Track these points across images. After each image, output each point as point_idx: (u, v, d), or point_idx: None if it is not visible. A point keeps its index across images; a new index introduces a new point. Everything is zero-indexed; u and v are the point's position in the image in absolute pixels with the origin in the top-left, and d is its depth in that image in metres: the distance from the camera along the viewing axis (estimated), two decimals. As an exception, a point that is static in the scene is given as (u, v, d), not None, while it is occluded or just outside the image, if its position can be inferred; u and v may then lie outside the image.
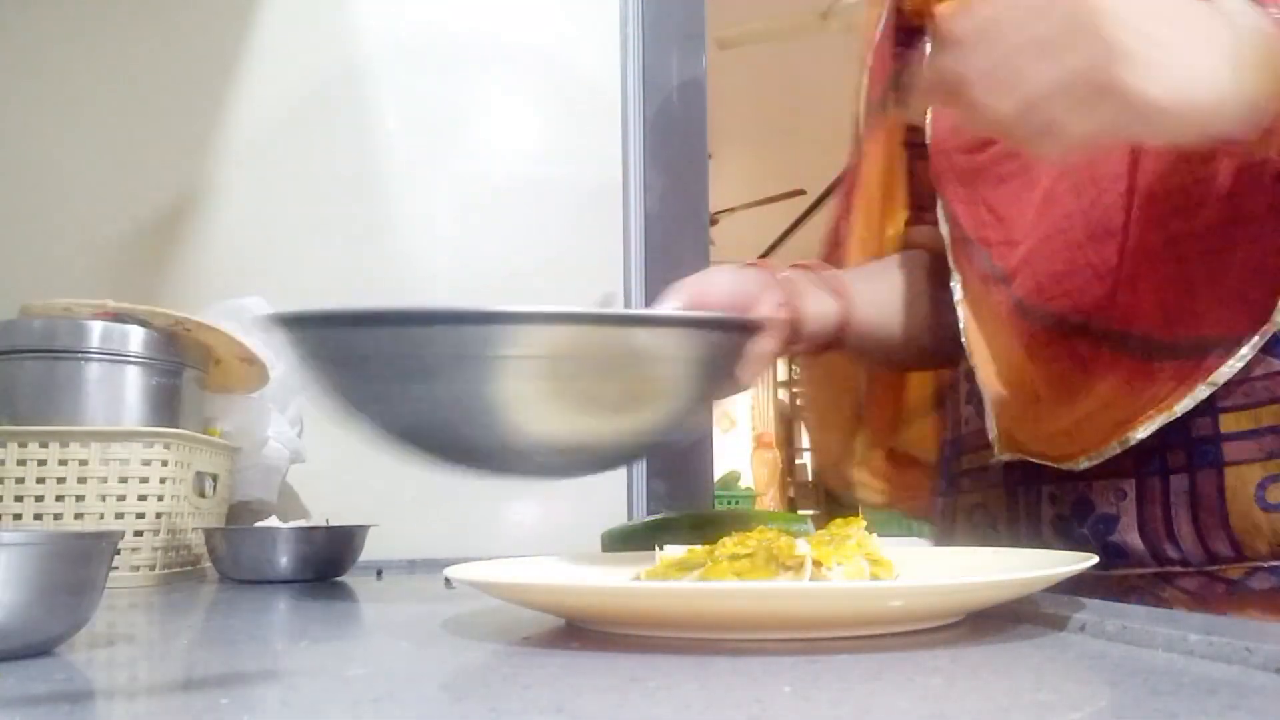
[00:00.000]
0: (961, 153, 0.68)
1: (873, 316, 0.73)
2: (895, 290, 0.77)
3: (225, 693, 0.32)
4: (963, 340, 0.69)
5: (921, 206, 0.81)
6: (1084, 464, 0.58)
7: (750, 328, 0.58)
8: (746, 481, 5.42)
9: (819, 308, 0.69)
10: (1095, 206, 0.58)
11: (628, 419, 0.52)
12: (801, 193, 4.75)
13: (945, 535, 0.76)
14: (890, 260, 0.81)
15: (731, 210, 4.89)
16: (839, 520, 0.51)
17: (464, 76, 1.30)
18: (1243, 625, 0.35)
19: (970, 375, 0.70)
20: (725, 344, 0.56)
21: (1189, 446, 0.55)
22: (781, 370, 6.74)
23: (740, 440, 6.70)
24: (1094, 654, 0.35)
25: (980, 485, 0.70)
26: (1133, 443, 0.55)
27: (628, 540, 0.95)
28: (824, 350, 0.72)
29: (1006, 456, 0.64)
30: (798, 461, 6.95)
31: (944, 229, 0.72)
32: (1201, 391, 0.53)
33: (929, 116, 0.74)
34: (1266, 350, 0.52)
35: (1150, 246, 0.56)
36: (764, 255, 6.35)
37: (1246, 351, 0.52)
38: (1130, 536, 0.57)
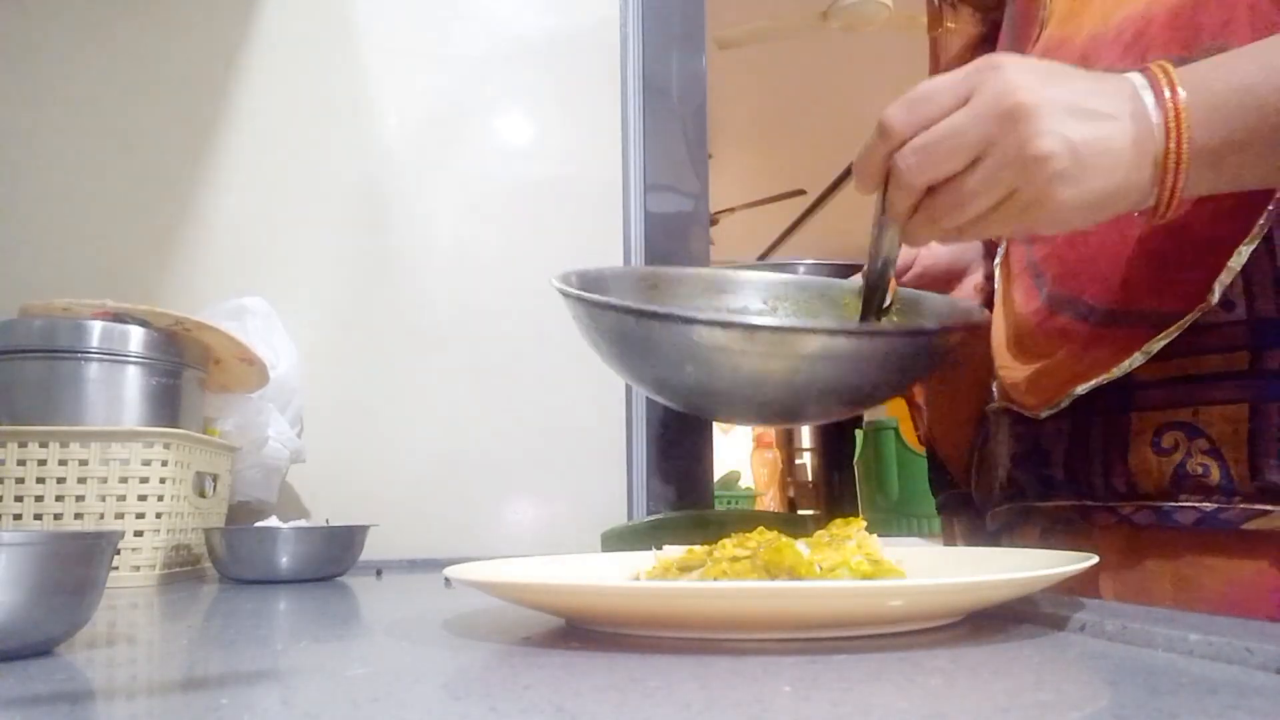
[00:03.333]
0: None
1: None
2: None
3: (225, 693, 0.32)
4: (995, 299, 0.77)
5: None
6: (1045, 414, 0.64)
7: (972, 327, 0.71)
8: (746, 481, 5.41)
9: None
10: None
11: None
12: (801, 193, 4.74)
13: (975, 485, 0.84)
14: None
15: (731, 210, 4.88)
16: (839, 520, 0.51)
17: (464, 76, 1.30)
18: (1243, 625, 0.35)
19: None
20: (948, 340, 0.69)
21: (1109, 392, 0.60)
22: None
23: (740, 440, 6.70)
24: (1094, 654, 0.35)
25: (989, 435, 0.79)
26: (1076, 396, 0.62)
27: (628, 540, 0.95)
28: None
29: (996, 405, 0.72)
30: (798, 461, 6.95)
31: None
32: (1137, 359, 0.58)
33: None
34: None
35: (1110, 225, 0.61)
36: (764, 256, 6.35)
37: (1178, 328, 0.57)
38: (1057, 470, 0.65)
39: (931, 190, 0.51)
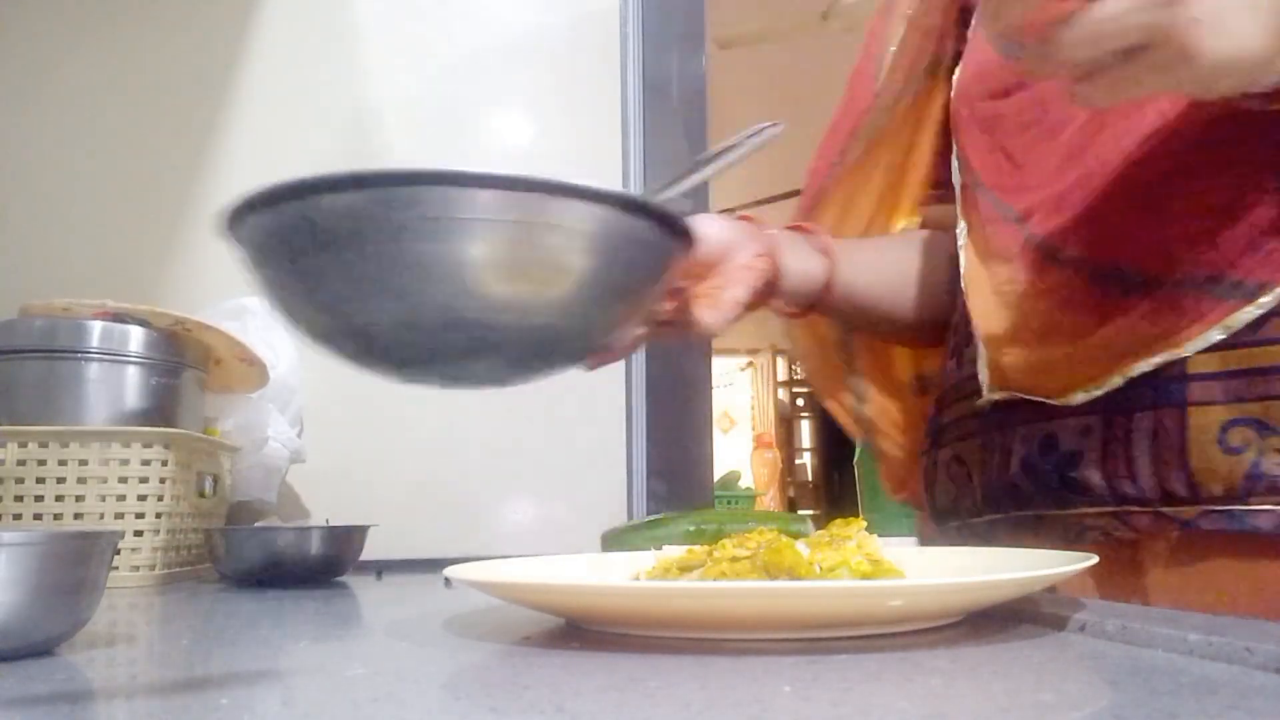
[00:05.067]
0: (984, 99, 0.68)
1: (860, 284, 0.75)
2: (888, 260, 0.79)
3: (225, 693, 0.32)
4: (961, 284, 0.69)
5: (939, 184, 0.82)
6: (1079, 398, 0.58)
7: (678, 230, 0.52)
8: (746, 481, 5.42)
9: (801, 265, 0.70)
10: (1126, 155, 0.57)
11: (534, 299, 0.50)
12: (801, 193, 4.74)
13: (927, 494, 0.75)
14: (893, 235, 0.83)
15: (731, 210, 4.88)
16: (839, 520, 0.51)
17: (464, 76, 1.30)
18: (1243, 625, 0.35)
19: (959, 327, 0.71)
20: (646, 238, 0.51)
21: (1156, 385, 0.55)
22: (781, 370, 6.74)
23: (740, 440, 6.70)
24: (1094, 654, 0.35)
25: (958, 436, 0.71)
26: (1133, 375, 0.55)
27: (628, 540, 0.95)
28: (805, 312, 0.74)
29: (997, 395, 0.63)
30: (798, 461, 6.95)
31: (956, 178, 0.72)
32: (1214, 334, 0.53)
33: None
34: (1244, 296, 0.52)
35: (1177, 188, 0.55)
36: (764, 255, 6.34)
37: (1270, 300, 0.51)
38: (1091, 472, 0.58)
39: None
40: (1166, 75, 0.43)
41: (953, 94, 0.74)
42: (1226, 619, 0.37)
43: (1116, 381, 0.56)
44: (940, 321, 0.77)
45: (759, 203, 4.74)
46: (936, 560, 0.54)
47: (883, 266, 0.78)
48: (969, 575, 0.45)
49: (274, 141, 1.24)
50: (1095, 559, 0.43)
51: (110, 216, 1.20)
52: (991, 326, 0.65)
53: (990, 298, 0.66)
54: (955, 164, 0.73)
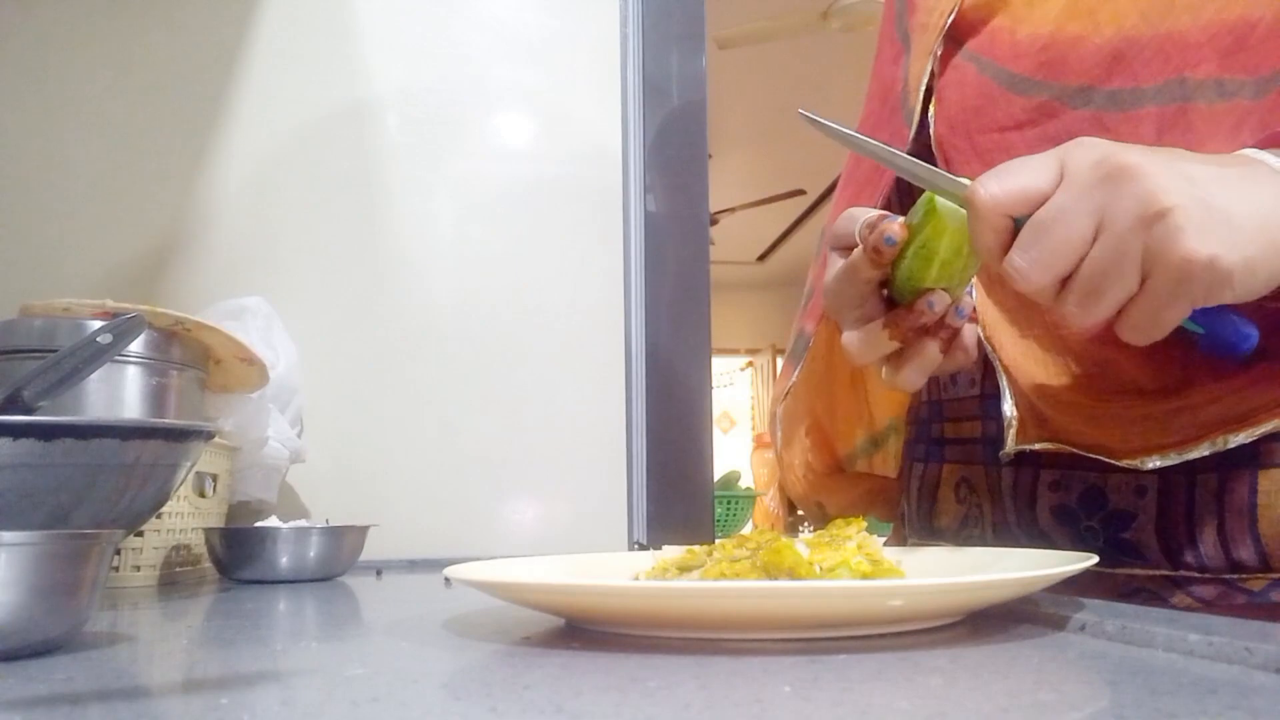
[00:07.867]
0: (989, 132, 0.60)
1: None
2: None
3: (225, 693, 0.32)
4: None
5: None
6: (1153, 463, 0.52)
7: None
8: (746, 481, 5.42)
9: None
10: None
11: None
12: (801, 193, 4.75)
13: (926, 507, 0.69)
14: None
15: (731, 210, 4.89)
16: (839, 520, 0.51)
17: (464, 77, 1.30)
18: (1243, 625, 0.35)
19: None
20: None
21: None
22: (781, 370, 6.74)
23: (740, 440, 6.71)
24: (1094, 654, 0.35)
25: (963, 458, 0.65)
26: (1229, 446, 0.49)
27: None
28: None
29: (1037, 445, 0.56)
30: (798, 461, 6.94)
31: None
32: None
33: (921, 92, 0.66)
34: None
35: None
36: (763, 256, 6.36)
37: None
38: (1145, 535, 0.54)
39: (1065, 283, 0.44)
40: (1184, 289, 0.41)
41: (937, 128, 0.66)
42: (1226, 619, 0.37)
43: (1204, 450, 0.50)
44: None
45: (759, 203, 4.74)
46: (936, 560, 0.54)
47: None
48: (969, 575, 0.45)
49: (274, 141, 1.24)
50: (1095, 558, 0.43)
51: (110, 216, 1.19)
52: (1033, 374, 0.58)
53: (1020, 344, 0.59)
54: None
